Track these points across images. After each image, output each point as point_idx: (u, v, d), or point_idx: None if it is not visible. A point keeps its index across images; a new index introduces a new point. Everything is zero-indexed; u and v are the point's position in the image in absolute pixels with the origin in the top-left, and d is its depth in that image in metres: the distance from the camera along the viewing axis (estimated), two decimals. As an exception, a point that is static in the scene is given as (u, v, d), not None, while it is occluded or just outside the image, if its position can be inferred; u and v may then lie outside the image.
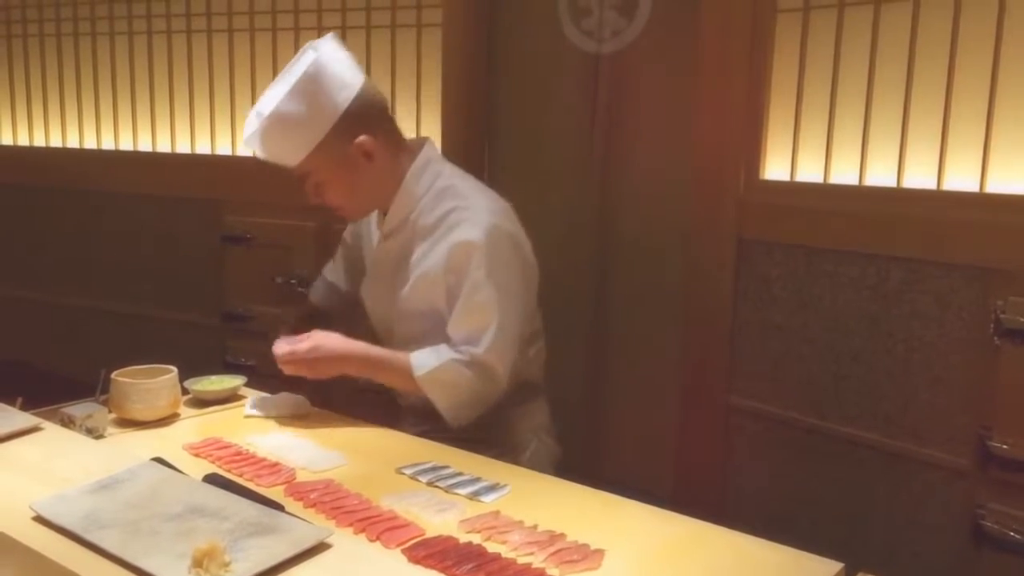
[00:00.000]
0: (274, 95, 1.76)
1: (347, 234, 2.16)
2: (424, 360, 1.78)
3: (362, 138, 1.79)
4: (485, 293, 1.75)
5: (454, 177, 1.88)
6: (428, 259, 1.81)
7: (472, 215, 1.78)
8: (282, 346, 1.83)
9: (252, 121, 1.79)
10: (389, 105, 1.91)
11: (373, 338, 1.95)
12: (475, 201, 1.82)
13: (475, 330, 1.76)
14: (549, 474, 1.69)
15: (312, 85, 1.73)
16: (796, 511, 2.34)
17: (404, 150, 1.89)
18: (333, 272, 2.21)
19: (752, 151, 2.38)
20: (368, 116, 1.81)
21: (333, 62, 1.77)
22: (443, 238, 1.80)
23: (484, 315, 1.76)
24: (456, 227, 1.78)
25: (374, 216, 2.00)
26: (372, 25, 2.99)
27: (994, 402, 1.97)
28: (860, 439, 2.21)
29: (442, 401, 1.78)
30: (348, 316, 2.13)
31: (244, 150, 3.25)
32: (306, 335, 1.82)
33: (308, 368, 1.81)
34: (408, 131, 2.93)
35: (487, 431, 1.87)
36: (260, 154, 1.82)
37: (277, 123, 1.75)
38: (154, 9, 3.37)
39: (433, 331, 1.82)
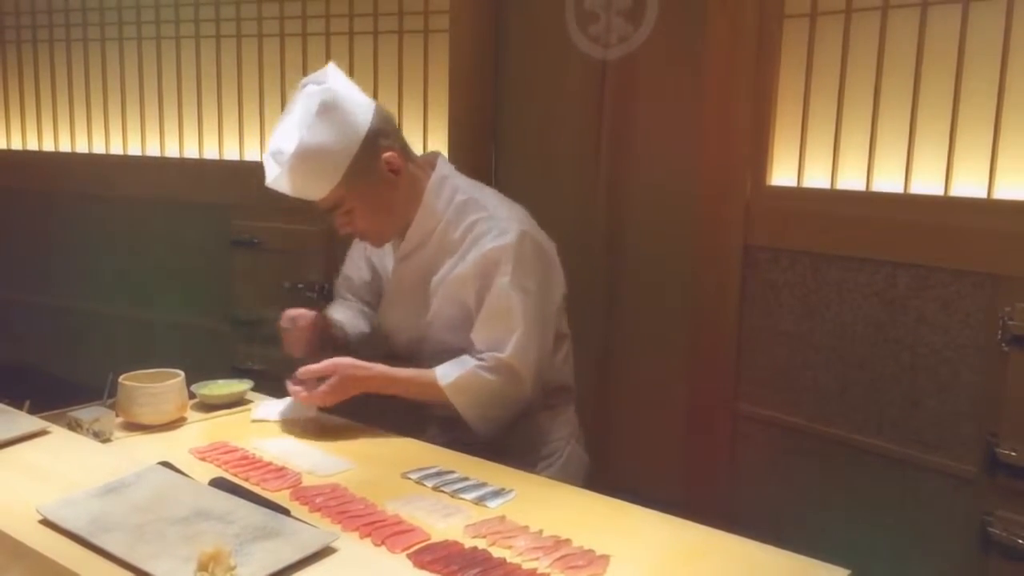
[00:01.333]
0: (292, 131, 1.76)
1: (363, 259, 2.10)
2: (448, 370, 1.79)
3: (388, 154, 1.80)
4: (511, 298, 1.76)
5: (471, 190, 1.89)
6: (456, 272, 1.82)
7: (497, 224, 1.80)
8: (300, 385, 1.82)
9: (272, 164, 1.78)
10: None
11: (395, 361, 1.93)
12: (497, 211, 1.83)
13: (500, 334, 1.77)
14: (579, 485, 1.66)
15: (332, 111, 1.74)
16: (803, 517, 2.33)
17: (419, 166, 1.90)
18: (364, 294, 2.12)
19: (759, 157, 2.38)
20: (387, 132, 1.83)
21: (344, 86, 1.79)
22: (471, 249, 1.80)
23: (509, 320, 1.76)
24: (483, 237, 1.79)
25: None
26: (379, 31, 3.00)
27: (1001, 409, 1.96)
28: (867, 445, 2.20)
29: (468, 409, 1.78)
30: (370, 344, 2.08)
31: (252, 154, 3.27)
32: (325, 364, 1.80)
33: (330, 397, 1.80)
34: (415, 137, 2.95)
35: (517, 438, 1.85)
36: (288, 192, 1.80)
37: (305, 156, 1.74)
38: (163, 15, 3.39)
39: (461, 346, 1.82)
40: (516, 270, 1.76)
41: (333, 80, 1.78)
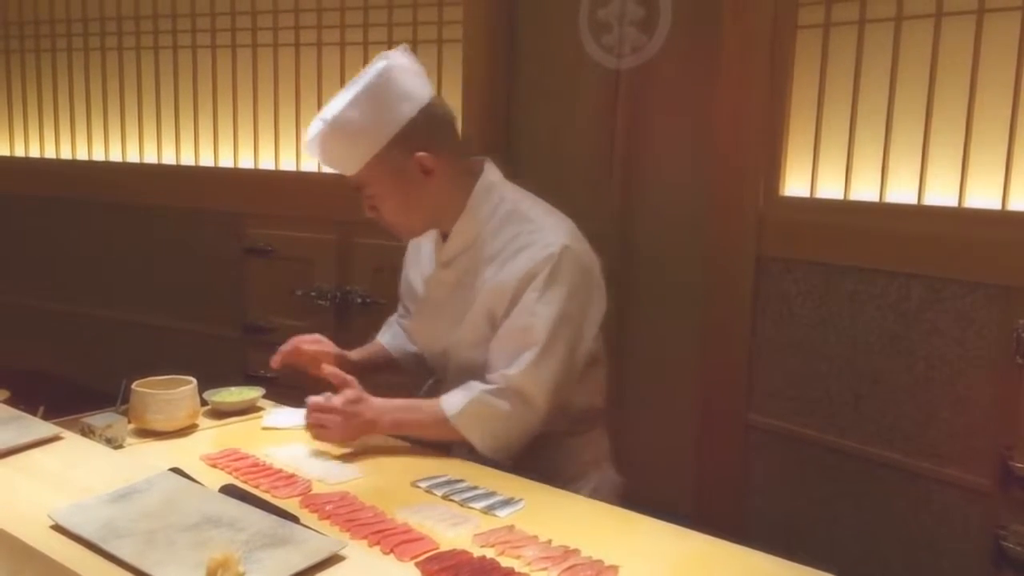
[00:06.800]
0: (338, 102, 1.72)
1: (405, 282, 2.04)
2: (454, 401, 1.72)
3: (421, 154, 1.73)
4: (536, 314, 1.69)
5: (519, 200, 1.82)
6: (493, 283, 1.75)
7: (540, 237, 1.73)
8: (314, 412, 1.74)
9: (315, 126, 1.74)
10: (457, 124, 1.86)
11: (428, 373, 1.91)
12: (543, 223, 1.77)
13: (515, 350, 1.70)
14: (615, 505, 1.62)
15: (376, 94, 1.69)
16: (814, 529, 2.32)
17: (467, 171, 1.83)
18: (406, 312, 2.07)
19: (772, 167, 2.38)
20: (431, 132, 1.75)
21: (402, 73, 1.73)
22: (510, 261, 1.74)
23: (529, 336, 1.70)
24: (524, 250, 1.73)
25: (426, 247, 1.94)
26: (393, 40, 3.01)
27: (1016, 422, 1.95)
28: (879, 458, 2.19)
29: (478, 438, 1.71)
30: (415, 371, 2.03)
31: (267, 163, 3.29)
32: (334, 401, 1.72)
33: (337, 437, 1.74)
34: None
35: (545, 462, 1.78)
36: (319, 159, 1.78)
37: (338, 129, 1.70)
38: (179, 25, 3.42)
39: (484, 366, 1.76)
40: (549, 285, 1.69)
41: (393, 62, 1.73)
